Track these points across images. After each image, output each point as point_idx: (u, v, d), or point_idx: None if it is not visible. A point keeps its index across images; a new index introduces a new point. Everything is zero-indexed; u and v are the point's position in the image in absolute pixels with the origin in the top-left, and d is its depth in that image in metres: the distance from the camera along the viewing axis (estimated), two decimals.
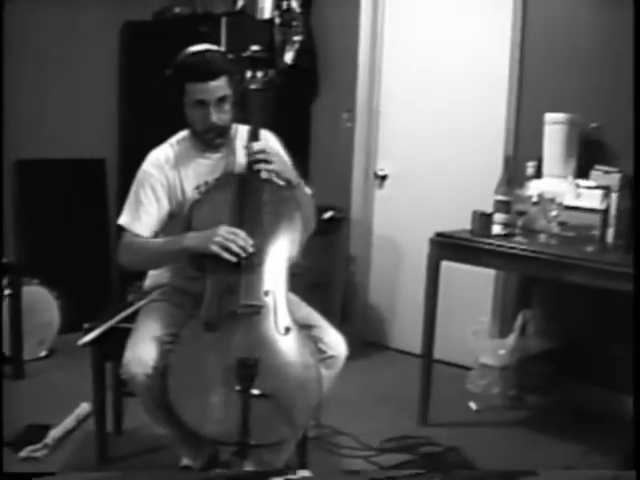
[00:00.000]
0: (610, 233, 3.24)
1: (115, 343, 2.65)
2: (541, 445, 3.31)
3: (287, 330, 2.45)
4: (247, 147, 2.59)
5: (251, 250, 2.45)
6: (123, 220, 2.61)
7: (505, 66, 3.92)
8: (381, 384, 4.03)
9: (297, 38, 4.40)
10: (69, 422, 3.24)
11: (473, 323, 3.89)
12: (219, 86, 2.55)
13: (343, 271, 4.45)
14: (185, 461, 2.75)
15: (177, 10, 4.69)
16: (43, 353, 4.14)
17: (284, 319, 2.46)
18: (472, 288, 4.17)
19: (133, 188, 2.64)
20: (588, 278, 2.92)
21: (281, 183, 2.61)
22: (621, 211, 3.23)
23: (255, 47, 2.74)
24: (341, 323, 3.65)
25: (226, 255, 2.42)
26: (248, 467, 2.62)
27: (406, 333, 4.42)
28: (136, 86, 4.77)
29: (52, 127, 4.56)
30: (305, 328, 2.53)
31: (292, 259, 2.58)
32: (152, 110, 4.18)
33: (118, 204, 4.90)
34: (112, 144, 4.85)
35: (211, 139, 2.63)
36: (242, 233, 2.45)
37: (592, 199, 3.30)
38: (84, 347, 2.80)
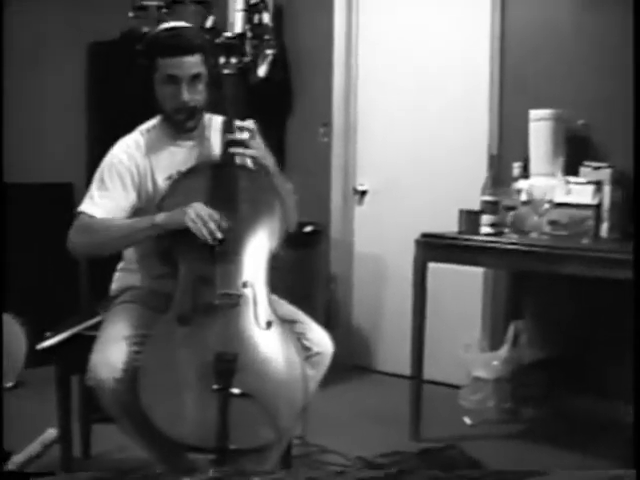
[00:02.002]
0: (604, 228, 3.10)
1: (80, 352, 2.41)
2: (539, 456, 3.11)
3: (269, 324, 2.27)
4: (225, 133, 2.44)
5: (225, 225, 2.28)
6: (82, 207, 2.41)
7: (485, 68, 3.81)
8: (369, 407, 3.80)
9: (269, 51, 4.28)
10: (34, 448, 2.99)
11: (463, 339, 3.72)
12: (193, 62, 2.40)
13: (324, 290, 4.26)
14: None
15: (145, 30, 4.55)
16: (9, 384, 3.88)
17: (265, 312, 2.28)
18: (460, 303, 4.00)
19: (97, 174, 2.46)
20: (585, 268, 2.77)
21: (257, 169, 2.46)
22: (615, 205, 3.11)
23: (228, 34, 2.63)
24: None
25: (201, 230, 2.24)
26: None
27: (393, 354, 4.22)
28: (105, 108, 4.62)
29: (17, 150, 4.38)
30: (287, 323, 2.34)
31: (272, 251, 2.41)
32: (122, 132, 4.03)
33: None
34: (80, 168, 4.66)
35: (182, 121, 2.47)
36: (215, 213, 2.28)
37: (584, 194, 3.16)
38: (45, 354, 2.58)
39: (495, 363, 3.51)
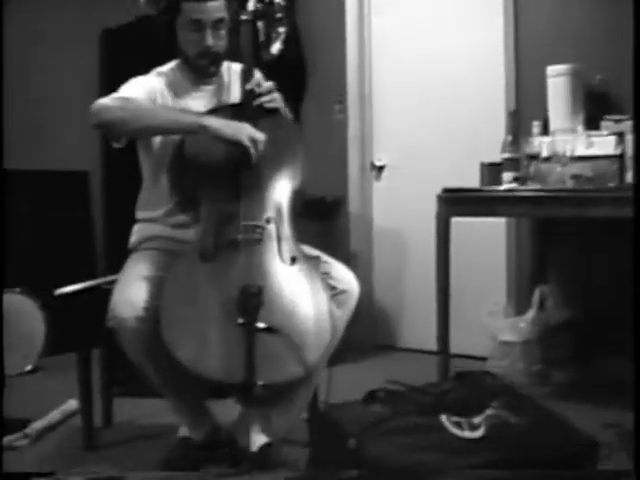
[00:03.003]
0: (629, 176, 3.03)
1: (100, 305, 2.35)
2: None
3: (293, 260, 2.23)
4: (248, 82, 2.41)
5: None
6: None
7: (500, 30, 3.77)
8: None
9: (282, 29, 4.26)
10: (53, 415, 2.95)
11: (488, 307, 3.64)
12: (217, 7, 2.39)
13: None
14: (183, 432, 2.44)
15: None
16: (29, 367, 3.83)
17: (289, 248, 2.24)
18: (484, 272, 3.93)
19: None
20: (616, 210, 2.68)
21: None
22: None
23: None
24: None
25: (253, 151, 2.25)
26: (254, 427, 2.35)
27: (416, 330, 4.15)
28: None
29: (35, 137, 4.38)
30: (312, 260, 2.30)
31: (295, 191, 2.37)
32: None
33: (103, 217, 4.71)
34: (95, 156, 4.64)
35: (205, 66, 2.45)
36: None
37: (606, 146, 3.10)
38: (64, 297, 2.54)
39: (522, 325, 3.43)
